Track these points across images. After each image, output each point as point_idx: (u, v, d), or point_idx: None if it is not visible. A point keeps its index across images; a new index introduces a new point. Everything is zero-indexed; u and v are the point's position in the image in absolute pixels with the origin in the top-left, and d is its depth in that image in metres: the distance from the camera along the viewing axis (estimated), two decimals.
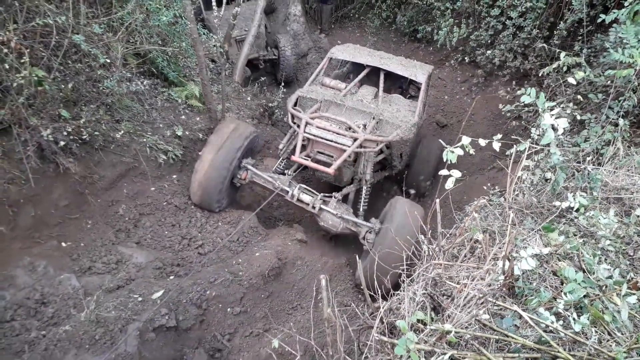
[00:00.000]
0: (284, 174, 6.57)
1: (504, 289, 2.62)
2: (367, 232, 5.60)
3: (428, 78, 7.21)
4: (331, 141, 5.74)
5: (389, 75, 7.39)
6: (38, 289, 4.21)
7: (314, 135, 5.81)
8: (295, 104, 6.59)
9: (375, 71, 7.45)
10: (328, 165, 5.79)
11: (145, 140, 5.86)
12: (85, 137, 5.09)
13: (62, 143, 4.81)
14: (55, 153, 4.82)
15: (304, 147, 6.07)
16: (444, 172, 2.90)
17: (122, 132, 5.63)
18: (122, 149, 5.61)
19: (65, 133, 4.86)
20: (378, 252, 4.86)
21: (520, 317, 2.38)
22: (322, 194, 5.85)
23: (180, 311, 4.47)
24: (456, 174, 2.83)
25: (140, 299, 4.34)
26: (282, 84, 9.34)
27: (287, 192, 5.93)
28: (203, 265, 5.30)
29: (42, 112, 4.79)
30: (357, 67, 8.19)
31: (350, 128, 5.92)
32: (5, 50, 4.33)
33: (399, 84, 8.28)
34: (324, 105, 6.40)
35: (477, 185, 6.71)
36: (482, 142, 2.88)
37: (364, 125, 5.96)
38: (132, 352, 3.85)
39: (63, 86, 4.95)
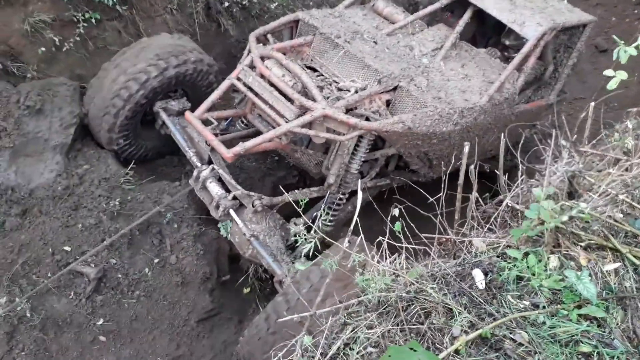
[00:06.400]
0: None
1: None
2: (281, 280, 3.47)
3: (553, 33, 4.25)
4: (267, 104, 3.62)
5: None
6: None
7: (247, 87, 3.70)
8: (292, 34, 4.29)
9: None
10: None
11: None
12: (245, 2, 5.45)
13: (226, 4, 5.22)
14: (219, 12, 5.25)
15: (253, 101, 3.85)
16: (608, 71, 2.77)
17: (276, 4, 5.92)
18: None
19: None
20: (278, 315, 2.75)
21: None
22: (240, 192, 3.66)
23: None
24: (622, 75, 2.70)
25: None
26: None
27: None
28: None
29: None
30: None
31: (304, 90, 3.53)
32: None
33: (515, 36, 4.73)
34: (318, 41, 4.03)
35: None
36: None
37: (356, 90, 3.64)
38: None
39: None
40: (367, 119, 3.56)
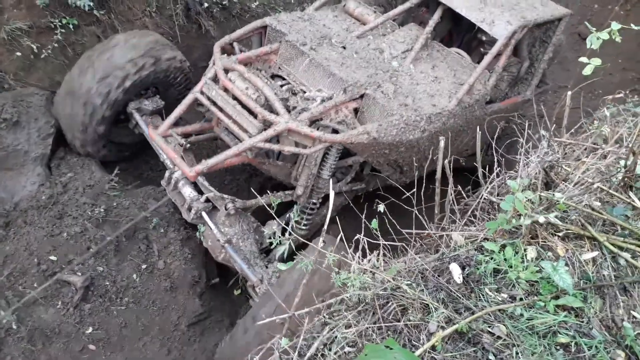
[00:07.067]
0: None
1: (622, 184, 2.58)
2: (255, 284, 3.46)
3: (524, 31, 4.15)
4: (230, 118, 3.46)
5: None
6: None
7: (211, 102, 3.54)
8: (262, 40, 4.15)
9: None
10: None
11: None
12: (225, 2, 5.43)
13: (205, 5, 5.19)
14: (198, 14, 5.23)
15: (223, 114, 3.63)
16: (583, 59, 2.77)
17: (258, 3, 5.91)
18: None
19: None
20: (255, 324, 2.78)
21: (634, 208, 2.38)
22: (213, 194, 3.59)
23: None
24: (596, 61, 2.70)
25: None
26: None
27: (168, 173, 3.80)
28: None
29: None
30: None
31: (266, 103, 3.40)
32: None
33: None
34: (284, 49, 3.88)
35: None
36: (635, 27, 2.67)
37: (322, 100, 3.50)
38: None
39: None
40: (335, 130, 3.48)
